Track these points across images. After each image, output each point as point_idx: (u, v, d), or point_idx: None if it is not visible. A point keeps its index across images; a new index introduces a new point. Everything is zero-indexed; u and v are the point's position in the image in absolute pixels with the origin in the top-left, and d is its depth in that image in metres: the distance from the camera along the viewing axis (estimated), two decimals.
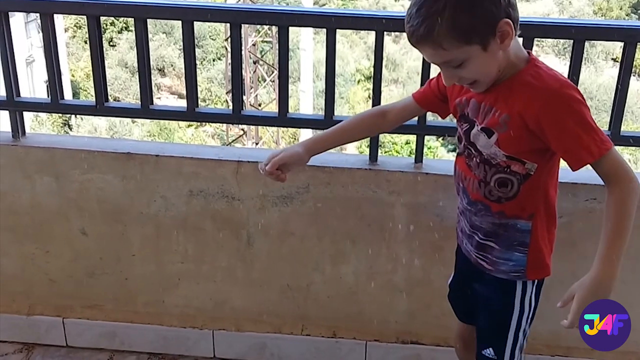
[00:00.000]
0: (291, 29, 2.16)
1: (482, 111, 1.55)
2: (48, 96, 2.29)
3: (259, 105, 18.94)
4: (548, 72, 1.49)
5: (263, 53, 19.78)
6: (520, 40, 2.05)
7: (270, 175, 1.74)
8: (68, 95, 16.33)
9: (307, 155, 1.77)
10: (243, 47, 16.41)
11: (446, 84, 1.55)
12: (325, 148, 1.81)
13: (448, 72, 1.49)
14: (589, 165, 1.48)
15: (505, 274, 1.66)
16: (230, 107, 2.28)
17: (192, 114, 2.26)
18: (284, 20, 2.12)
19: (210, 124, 19.31)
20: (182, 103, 2.26)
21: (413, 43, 1.44)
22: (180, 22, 2.17)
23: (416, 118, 2.16)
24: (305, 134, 17.85)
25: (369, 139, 2.24)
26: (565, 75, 2.09)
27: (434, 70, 1.72)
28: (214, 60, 21.63)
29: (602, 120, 17.17)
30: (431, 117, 2.20)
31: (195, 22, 2.17)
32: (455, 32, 1.38)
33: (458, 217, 1.77)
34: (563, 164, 1.53)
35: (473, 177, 1.62)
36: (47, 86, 2.28)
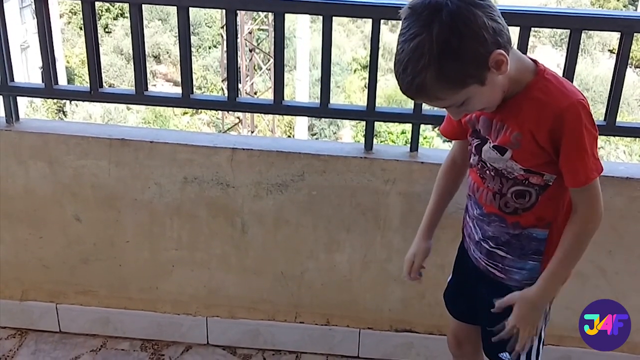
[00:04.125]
0: (287, 16, 2.16)
1: (495, 128, 1.52)
2: (42, 82, 2.28)
3: (255, 93, 18.89)
4: (557, 85, 1.45)
5: (259, 41, 19.72)
6: (517, 29, 2.05)
7: (416, 279, 1.84)
8: (63, 81, 16.25)
9: (429, 242, 1.83)
10: (239, 35, 16.36)
11: (455, 119, 1.56)
12: (436, 223, 1.83)
13: (453, 112, 1.47)
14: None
15: (518, 282, 1.61)
16: (226, 95, 2.27)
17: (187, 100, 2.25)
18: (280, 7, 2.11)
19: (206, 111, 19.29)
20: (178, 90, 2.25)
21: (409, 97, 1.43)
22: (175, 8, 2.16)
23: (411, 106, 2.16)
24: (301, 123, 17.86)
25: (364, 125, 2.24)
26: (562, 65, 2.10)
27: None
28: (209, 48, 21.56)
29: (597, 111, 17.19)
30: (427, 107, 2.19)
31: (190, 8, 2.16)
32: (447, 83, 1.35)
33: (465, 220, 1.72)
34: None
35: (486, 190, 1.58)
36: (42, 72, 2.26)
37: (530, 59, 1.51)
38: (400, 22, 1.37)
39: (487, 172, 1.56)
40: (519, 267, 1.61)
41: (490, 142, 1.53)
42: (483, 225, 1.63)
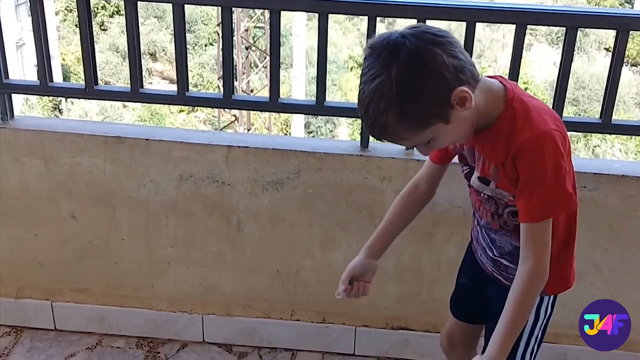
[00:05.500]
0: (284, 14, 2.15)
1: (477, 159, 1.51)
2: (38, 79, 2.27)
3: (251, 91, 18.87)
4: (524, 115, 1.39)
5: (255, 39, 19.68)
6: (513, 27, 2.05)
7: (350, 294, 1.71)
8: (58, 78, 16.19)
9: (370, 258, 1.71)
10: (235, 33, 16.33)
11: (424, 156, 1.53)
12: (383, 244, 1.73)
13: (421, 149, 1.44)
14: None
15: None
16: (222, 92, 2.27)
17: (183, 97, 2.25)
18: (276, 4, 2.11)
19: (202, 109, 19.24)
20: (174, 88, 2.25)
21: (374, 137, 1.41)
22: (171, 5, 2.15)
23: None
24: (297, 120, 17.85)
25: (359, 124, 2.24)
26: (558, 64, 2.10)
27: None
28: (205, 46, 21.51)
29: (594, 109, 17.25)
30: None
31: (186, 6, 2.15)
32: (410, 124, 1.33)
33: (473, 224, 1.71)
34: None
35: (485, 210, 1.58)
36: (37, 69, 2.26)
37: (502, 81, 1.46)
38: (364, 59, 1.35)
39: (482, 195, 1.55)
40: None
41: (476, 172, 1.53)
42: (490, 233, 1.63)
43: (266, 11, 2.34)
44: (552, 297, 1.64)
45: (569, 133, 1.50)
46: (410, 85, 1.28)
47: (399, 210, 1.74)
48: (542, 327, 1.67)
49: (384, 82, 1.29)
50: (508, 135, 1.40)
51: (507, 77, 2.15)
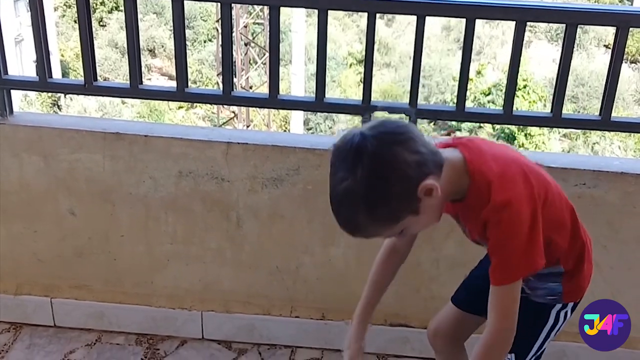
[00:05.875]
0: (283, 10, 2.15)
1: (464, 226, 1.58)
2: (37, 75, 2.27)
3: (250, 88, 18.85)
4: (487, 186, 1.43)
5: (254, 35, 19.66)
6: (513, 24, 2.05)
7: None
8: (57, 74, 16.18)
9: (363, 324, 1.79)
10: (234, 29, 16.30)
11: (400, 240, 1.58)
12: (373, 305, 1.80)
13: (396, 237, 1.50)
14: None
15: (542, 298, 1.63)
16: (221, 88, 2.27)
17: (182, 94, 2.24)
18: (276, 0, 2.10)
19: (201, 105, 19.23)
20: (173, 84, 2.24)
21: (349, 234, 1.44)
22: (170, 1, 2.15)
23: (407, 100, 2.16)
24: (296, 117, 17.84)
25: (359, 121, 2.23)
26: (557, 61, 2.10)
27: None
28: (204, 42, 21.50)
29: (593, 106, 17.24)
30: (423, 101, 2.19)
31: (185, 2, 2.15)
32: (381, 222, 1.38)
33: None
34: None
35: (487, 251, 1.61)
36: (36, 65, 2.26)
37: (461, 150, 1.47)
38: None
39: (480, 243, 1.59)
40: (542, 287, 1.62)
41: (469, 234, 1.58)
42: None
43: (265, 7, 2.33)
44: (573, 303, 1.66)
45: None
46: (376, 187, 1.34)
47: (382, 272, 1.79)
48: (557, 332, 1.68)
49: (351, 186, 1.34)
50: (477, 208, 1.45)
51: (506, 74, 2.16)
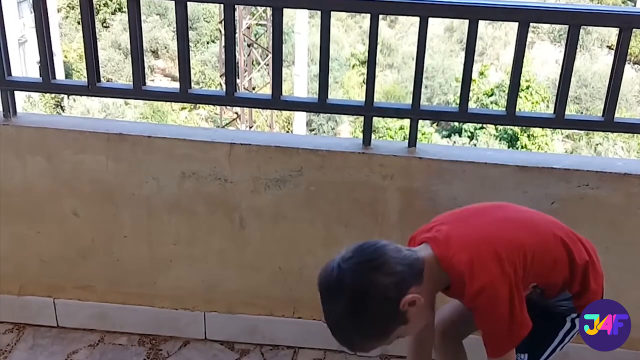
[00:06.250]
0: (286, 11, 2.15)
1: None
2: (40, 76, 2.27)
3: (253, 89, 18.86)
4: (460, 277, 1.51)
5: (257, 36, 19.67)
6: (516, 25, 2.05)
7: None
8: (60, 75, 16.23)
9: None
10: (237, 30, 16.32)
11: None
12: None
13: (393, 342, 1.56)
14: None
15: (556, 307, 1.67)
16: (224, 90, 2.27)
17: (185, 95, 2.25)
18: (278, 2, 2.10)
19: (204, 107, 19.25)
20: (176, 85, 2.25)
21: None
22: (173, 2, 2.15)
23: (410, 101, 2.16)
24: (299, 118, 17.85)
25: (362, 121, 2.24)
26: (560, 62, 2.09)
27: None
28: (207, 43, 21.52)
29: (596, 107, 17.22)
30: (425, 102, 2.19)
31: (188, 3, 2.15)
32: (374, 339, 1.52)
33: None
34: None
35: None
36: (39, 66, 2.26)
37: (431, 246, 1.55)
38: None
39: None
40: (555, 299, 1.67)
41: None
42: None
43: (268, 8, 2.34)
44: None
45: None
46: (360, 315, 1.45)
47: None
48: (573, 336, 1.71)
49: (339, 317, 1.48)
50: (461, 296, 1.56)
51: (509, 75, 2.16)
